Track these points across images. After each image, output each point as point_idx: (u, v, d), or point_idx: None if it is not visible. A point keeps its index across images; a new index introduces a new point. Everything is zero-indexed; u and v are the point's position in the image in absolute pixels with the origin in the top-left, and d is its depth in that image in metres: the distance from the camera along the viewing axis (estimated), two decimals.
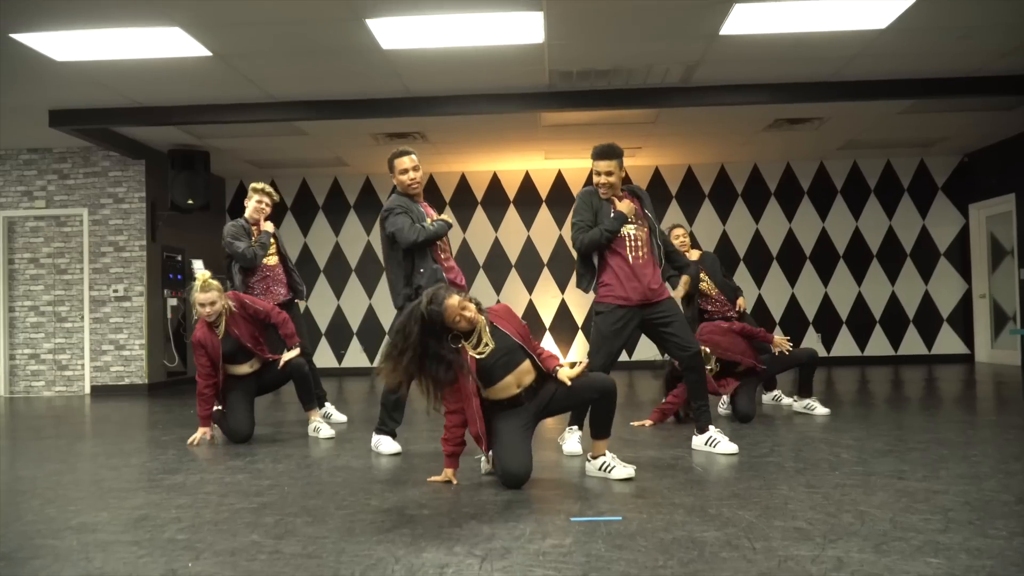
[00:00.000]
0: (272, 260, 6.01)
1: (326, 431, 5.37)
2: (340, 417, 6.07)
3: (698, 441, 4.48)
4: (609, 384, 3.69)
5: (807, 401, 5.97)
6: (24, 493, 3.81)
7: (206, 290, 5.16)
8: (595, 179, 4.39)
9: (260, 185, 6.12)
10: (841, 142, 10.12)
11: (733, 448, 4.32)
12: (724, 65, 6.96)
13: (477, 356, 3.64)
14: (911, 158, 11.08)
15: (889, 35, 6.27)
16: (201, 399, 5.18)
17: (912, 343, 11.03)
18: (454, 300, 3.58)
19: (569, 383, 3.68)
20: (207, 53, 6.34)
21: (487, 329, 3.68)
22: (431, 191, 11.35)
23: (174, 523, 3.14)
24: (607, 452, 3.84)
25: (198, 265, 10.34)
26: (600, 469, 3.81)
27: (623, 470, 3.75)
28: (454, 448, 3.78)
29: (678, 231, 6.27)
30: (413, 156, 4.63)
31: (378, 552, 2.70)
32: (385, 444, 4.66)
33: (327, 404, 6.14)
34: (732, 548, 2.66)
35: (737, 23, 5.97)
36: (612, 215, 4.31)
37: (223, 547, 2.80)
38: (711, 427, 4.45)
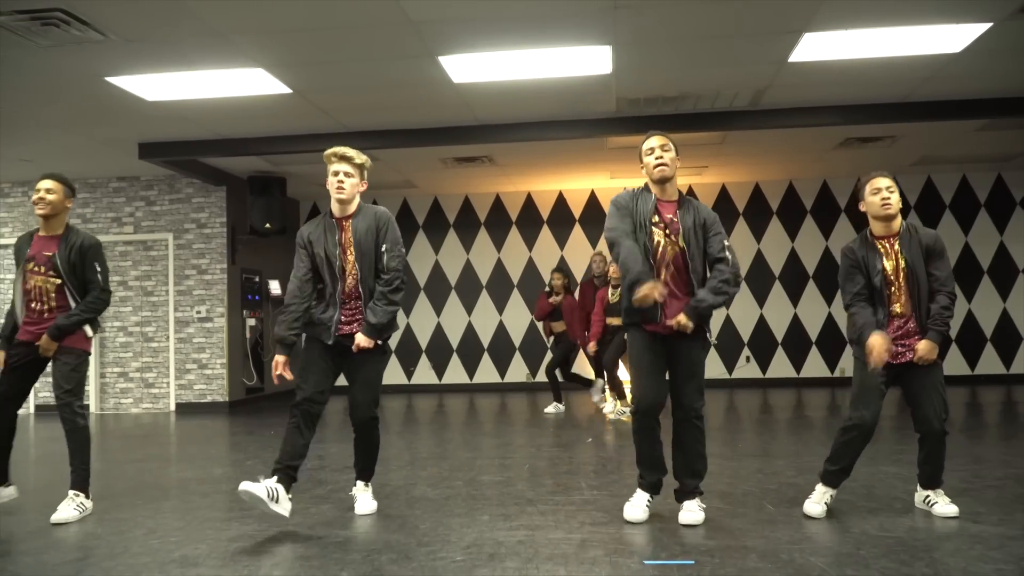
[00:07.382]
0: None
1: (365, 506, 4.14)
2: (368, 506, 4.14)
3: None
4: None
5: (927, 494, 3.96)
6: (126, 521, 4.07)
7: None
8: None
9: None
10: (914, 158, 9.94)
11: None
12: (793, 89, 6.95)
13: None
14: (988, 172, 10.80)
15: (964, 57, 6.19)
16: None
17: (989, 362, 10.74)
18: None
19: None
20: (287, 90, 6.62)
21: None
22: (498, 210, 11.54)
23: (268, 557, 3.34)
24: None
25: (274, 286, 10.77)
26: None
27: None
28: None
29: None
30: (662, 136, 3.76)
31: None
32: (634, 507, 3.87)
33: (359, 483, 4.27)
34: None
35: (806, 51, 5.97)
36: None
37: None
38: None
